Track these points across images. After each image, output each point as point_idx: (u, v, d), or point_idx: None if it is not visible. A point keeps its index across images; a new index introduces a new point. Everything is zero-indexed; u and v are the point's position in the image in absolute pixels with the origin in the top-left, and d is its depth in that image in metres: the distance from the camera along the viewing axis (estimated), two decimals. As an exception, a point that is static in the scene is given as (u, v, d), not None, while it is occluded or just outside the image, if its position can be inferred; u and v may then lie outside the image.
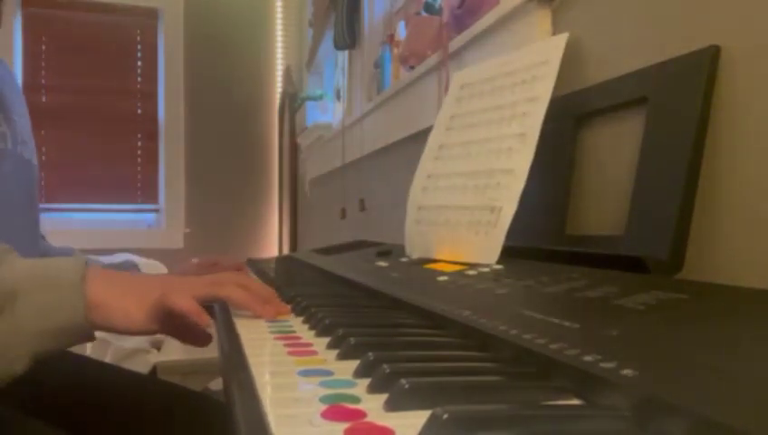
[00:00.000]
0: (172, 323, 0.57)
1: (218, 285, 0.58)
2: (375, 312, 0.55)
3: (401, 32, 1.52)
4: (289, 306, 0.59)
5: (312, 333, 0.47)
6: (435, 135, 0.87)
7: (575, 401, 0.30)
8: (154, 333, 0.57)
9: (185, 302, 0.54)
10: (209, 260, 0.96)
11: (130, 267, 0.98)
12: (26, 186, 0.82)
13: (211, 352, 0.80)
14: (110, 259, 1.21)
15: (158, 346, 1.89)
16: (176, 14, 3.01)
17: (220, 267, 0.93)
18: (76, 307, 0.52)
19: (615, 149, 0.64)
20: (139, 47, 3.03)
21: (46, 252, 0.91)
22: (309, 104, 2.46)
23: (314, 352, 0.41)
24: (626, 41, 0.65)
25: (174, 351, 1.86)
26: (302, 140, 2.63)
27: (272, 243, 3.09)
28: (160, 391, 0.90)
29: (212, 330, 0.59)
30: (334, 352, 0.40)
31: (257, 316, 0.56)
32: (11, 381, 0.50)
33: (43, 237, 0.93)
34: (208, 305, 0.58)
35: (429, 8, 1.36)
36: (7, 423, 0.61)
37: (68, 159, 2.94)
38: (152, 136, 3.03)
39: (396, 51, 1.51)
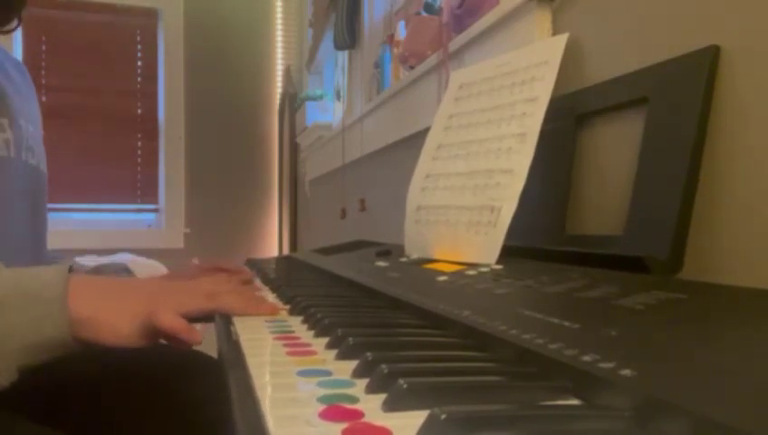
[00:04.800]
0: (161, 335, 0.57)
1: (211, 297, 0.58)
2: (374, 312, 0.55)
3: (401, 32, 1.52)
4: (285, 306, 0.59)
5: (312, 333, 0.47)
6: (433, 135, 0.86)
7: (574, 401, 0.30)
8: (143, 346, 0.56)
9: (173, 322, 0.54)
10: (211, 266, 0.94)
11: (120, 270, 0.96)
12: (31, 194, 0.80)
13: (212, 352, 0.79)
14: (110, 259, 1.19)
15: None
16: (176, 14, 3.01)
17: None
18: (59, 323, 0.51)
19: (615, 149, 0.64)
20: (139, 47, 3.03)
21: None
22: (309, 104, 2.46)
23: (313, 353, 0.41)
24: (626, 41, 0.65)
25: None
26: (302, 140, 2.63)
27: (272, 243, 3.09)
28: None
29: (204, 331, 0.59)
30: (333, 352, 0.40)
31: (257, 315, 0.56)
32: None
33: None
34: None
35: (429, 8, 1.36)
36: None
37: (68, 159, 2.94)
38: (152, 136, 3.03)
39: (396, 51, 1.51)
